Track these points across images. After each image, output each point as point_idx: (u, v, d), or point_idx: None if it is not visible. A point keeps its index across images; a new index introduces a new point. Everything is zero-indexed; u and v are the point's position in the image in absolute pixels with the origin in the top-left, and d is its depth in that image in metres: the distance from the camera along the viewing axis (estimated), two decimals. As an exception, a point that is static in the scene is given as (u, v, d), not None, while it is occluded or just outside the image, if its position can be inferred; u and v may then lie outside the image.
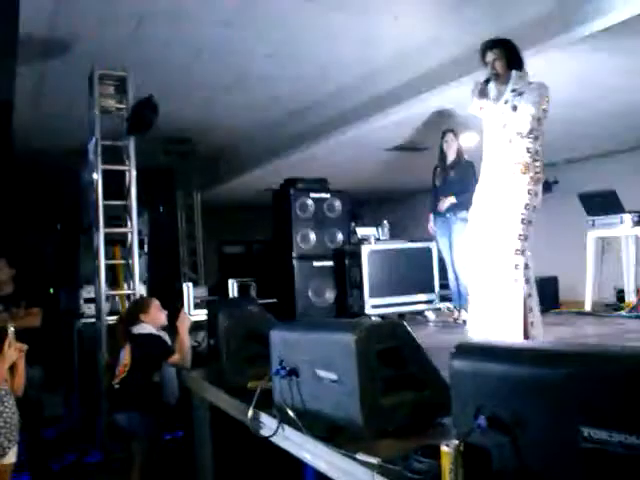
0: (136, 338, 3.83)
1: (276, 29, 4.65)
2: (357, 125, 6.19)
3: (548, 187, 9.30)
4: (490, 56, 3.40)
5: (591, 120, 6.48)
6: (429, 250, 5.76)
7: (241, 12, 4.35)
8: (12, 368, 3.06)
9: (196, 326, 4.87)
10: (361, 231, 6.18)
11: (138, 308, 4.05)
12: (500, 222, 3.29)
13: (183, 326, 3.86)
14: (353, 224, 6.40)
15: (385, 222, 6.19)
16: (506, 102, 3.32)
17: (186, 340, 3.83)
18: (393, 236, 6.24)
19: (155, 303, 4.05)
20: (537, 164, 3.31)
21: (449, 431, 1.79)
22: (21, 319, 4.26)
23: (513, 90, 3.36)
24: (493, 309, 3.31)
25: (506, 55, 3.39)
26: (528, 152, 3.30)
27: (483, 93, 3.40)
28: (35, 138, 7.11)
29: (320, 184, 6.56)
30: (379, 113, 5.76)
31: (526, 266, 3.27)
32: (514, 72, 3.38)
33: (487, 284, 3.35)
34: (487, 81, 3.41)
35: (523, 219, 3.27)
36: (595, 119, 6.43)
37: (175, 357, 3.78)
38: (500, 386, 1.51)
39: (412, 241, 5.92)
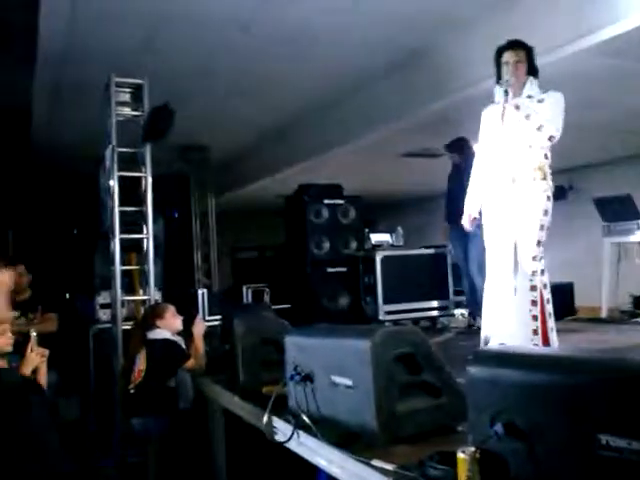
0: (152, 343, 3.86)
1: (292, 35, 4.69)
2: (372, 131, 6.21)
3: (563, 193, 9.26)
4: (512, 57, 3.30)
5: (606, 125, 6.44)
6: (443, 256, 5.74)
7: (257, 18, 4.40)
8: (34, 372, 3.10)
9: (210, 332, 4.90)
10: (375, 237, 6.18)
11: (154, 313, 4.08)
12: (519, 229, 3.26)
13: (198, 331, 3.89)
14: (367, 230, 6.40)
15: (399, 228, 6.18)
16: (517, 108, 3.22)
17: (201, 345, 3.85)
18: (407, 242, 6.23)
19: (171, 309, 4.08)
20: (550, 170, 3.33)
21: (465, 438, 1.78)
22: (37, 324, 4.30)
23: (529, 97, 3.30)
24: (511, 316, 3.27)
25: (528, 59, 3.33)
26: (546, 158, 3.31)
27: (518, 89, 3.29)
28: (52, 145, 7.21)
29: (334, 190, 6.57)
30: (393, 119, 5.77)
31: (542, 272, 3.27)
32: (531, 78, 3.33)
33: (504, 290, 3.31)
34: (506, 90, 3.28)
35: (542, 225, 3.27)
36: (610, 124, 6.39)
37: (190, 362, 3.81)
38: (517, 393, 1.51)
39: (426, 247, 5.90)
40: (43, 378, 3.17)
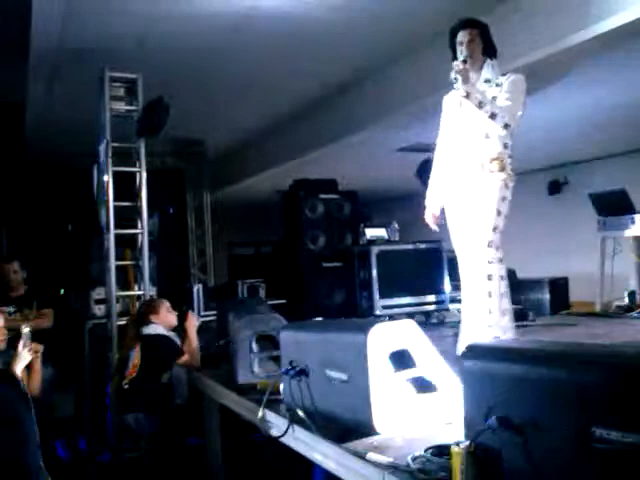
0: (146, 339, 3.86)
1: (283, 31, 4.67)
2: (366, 126, 6.20)
3: (557, 188, 9.29)
4: (465, 36, 3.09)
5: (605, 121, 6.45)
6: (439, 251, 5.74)
7: (251, 16, 4.38)
8: (28, 368, 3.10)
9: (205, 327, 4.90)
10: (370, 232, 6.17)
11: (149, 309, 4.07)
12: (474, 216, 3.08)
13: (191, 327, 3.88)
14: (362, 225, 6.40)
15: (394, 223, 6.18)
16: (467, 95, 2.99)
17: (194, 341, 3.85)
18: (402, 237, 6.23)
19: (165, 304, 4.08)
20: (510, 160, 3.11)
21: (460, 431, 1.78)
22: (33, 320, 4.29)
23: (487, 80, 3.10)
24: (469, 309, 3.14)
25: (483, 38, 3.11)
26: (505, 147, 3.09)
27: (468, 76, 2.97)
28: (47, 140, 7.17)
29: (329, 185, 6.56)
30: (388, 114, 5.76)
31: (500, 261, 3.06)
32: (488, 60, 3.12)
33: (465, 283, 3.20)
34: (465, 60, 3.03)
35: (499, 211, 3.05)
36: (609, 120, 6.40)
37: (184, 358, 3.80)
38: (512, 386, 1.51)
39: (421, 242, 5.90)
40: (37, 374, 3.17)
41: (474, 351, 1.68)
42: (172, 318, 4.04)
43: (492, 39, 3.17)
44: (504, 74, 3.11)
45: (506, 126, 3.00)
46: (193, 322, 3.92)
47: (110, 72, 4.83)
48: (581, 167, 8.66)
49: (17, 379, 2.83)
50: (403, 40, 4.91)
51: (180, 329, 4.04)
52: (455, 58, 3.13)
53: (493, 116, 2.98)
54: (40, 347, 3.15)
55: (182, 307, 4.25)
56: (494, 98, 3.03)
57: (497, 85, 3.07)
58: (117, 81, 4.94)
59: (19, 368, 2.96)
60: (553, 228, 8.76)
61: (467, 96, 2.97)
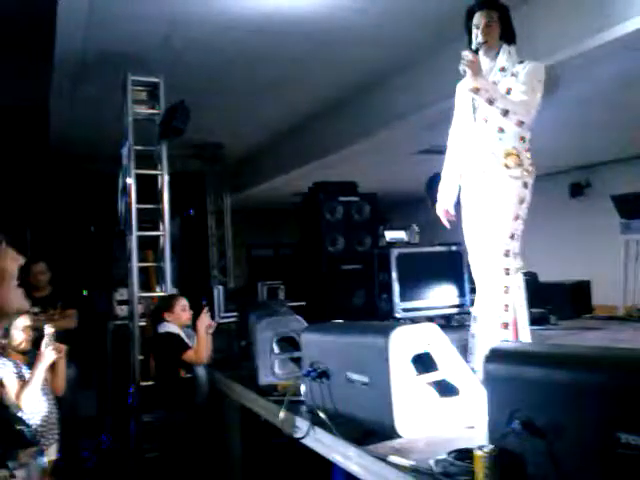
0: (156, 338, 3.92)
1: (303, 34, 4.69)
2: (386, 128, 6.19)
3: (579, 190, 9.18)
4: (482, 18, 2.83)
5: (628, 121, 6.36)
6: (459, 253, 5.71)
7: (272, 20, 4.41)
8: (53, 368, 3.15)
9: (226, 328, 4.93)
10: (389, 234, 6.16)
11: (163, 307, 4.09)
12: (490, 221, 2.87)
13: (202, 325, 3.87)
14: (382, 227, 6.39)
15: (414, 225, 6.16)
16: (477, 91, 2.77)
17: (202, 338, 3.83)
18: (422, 239, 6.20)
19: (180, 302, 4.08)
20: (529, 154, 2.88)
21: (482, 435, 1.78)
22: (57, 320, 4.36)
23: (503, 69, 2.86)
24: (484, 320, 2.95)
25: (502, 21, 2.85)
26: (522, 141, 2.86)
27: (478, 69, 2.73)
28: (70, 142, 7.27)
29: (349, 188, 6.56)
30: (408, 116, 5.75)
31: (517, 271, 2.88)
32: (505, 46, 2.87)
33: (480, 293, 3.02)
34: (477, 50, 2.83)
35: (517, 215, 2.84)
36: (633, 120, 6.31)
37: (189, 353, 3.77)
38: (535, 390, 1.51)
39: (441, 244, 5.88)
40: (61, 373, 3.22)
41: (497, 355, 1.68)
42: (185, 316, 4.04)
43: (512, 23, 2.91)
44: (522, 61, 2.86)
45: (520, 123, 2.78)
46: (204, 320, 3.91)
47: (132, 76, 4.90)
48: (604, 169, 8.55)
49: None
50: (424, 41, 4.90)
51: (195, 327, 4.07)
52: (470, 42, 2.92)
53: (505, 113, 2.75)
54: (64, 347, 3.20)
55: (201, 302, 4.26)
56: (509, 90, 2.80)
57: (513, 75, 2.83)
58: (139, 85, 5.00)
59: (42, 367, 3.01)
60: (575, 231, 8.66)
61: (476, 91, 2.75)
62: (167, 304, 4.09)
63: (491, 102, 2.75)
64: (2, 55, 5.53)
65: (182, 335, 3.96)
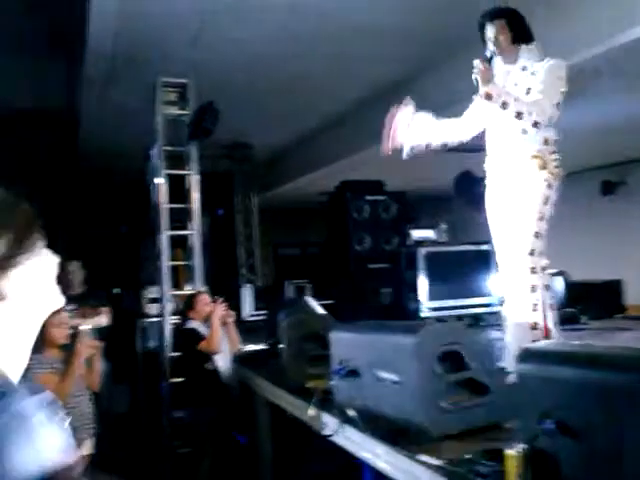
0: (177, 334, 4.12)
1: (331, 33, 4.70)
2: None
3: (611, 188, 9.01)
4: (491, 30, 2.89)
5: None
6: (488, 252, 5.66)
7: (299, 19, 4.43)
8: (88, 364, 3.23)
9: (255, 326, 4.98)
10: (417, 233, 6.14)
11: (185, 306, 4.32)
12: (515, 220, 2.85)
13: (214, 316, 4.06)
14: (409, 226, 6.38)
15: (442, 224, 6.13)
16: (516, 84, 2.80)
17: (216, 328, 4.02)
18: (450, 238, 6.17)
19: (201, 298, 4.26)
20: (555, 156, 2.85)
21: (512, 436, 1.77)
22: (91, 318, 4.45)
23: (524, 68, 2.88)
24: (514, 320, 2.90)
25: (510, 27, 2.89)
26: (546, 143, 2.82)
27: (488, 77, 2.76)
28: (101, 144, 7.39)
29: (376, 186, 6.56)
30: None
31: (544, 270, 2.83)
32: (523, 46, 2.89)
33: (506, 292, 2.98)
34: (490, 58, 2.84)
35: (541, 216, 2.80)
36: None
37: (203, 343, 3.98)
38: (569, 391, 1.50)
39: (470, 243, 5.83)
40: (96, 369, 3.30)
41: (530, 355, 1.67)
42: (207, 310, 4.19)
43: (523, 23, 2.93)
44: (542, 59, 2.85)
45: (535, 124, 2.73)
46: (216, 311, 4.09)
47: (162, 77, 4.97)
48: (638, 167, 8.38)
49: None
50: (453, 37, 4.87)
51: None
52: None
53: (519, 115, 2.72)
54: (99, 344, 3.28)
55: (214, 298, 4.41)
56: (528, 90, 2.79)
57: (532, 74, 2.83)
58: (169, 86, 5.08)
59: (78, 363, 3.09)
60: (606, 230, 8.51)
61: (488, 97, 2.74)
62: (189, 303, 4.28)
63: (505, 106, 2.75)
64: (33, 59, 5.66)
65: (202, 329, 4.07)
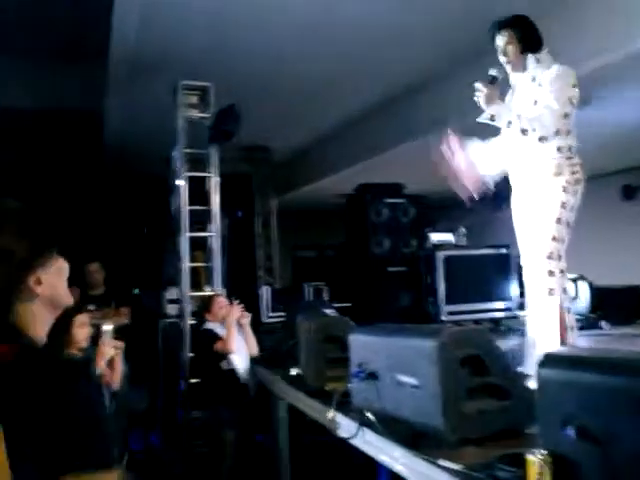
0: (194, 335, 4.21)
1: (355, 35, 4.71)
2: (434, 129, 6.15)
3: (631, 193, 8.88)
4: (500, 41, 2.91)
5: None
6: (507, 256, 5.64)
7: (319, 23, 4.45)
8: (110, 363, 3.28)
9: (273, 328, 5.01)
10: (436, 236, 6.13)
11: (203, 308, 4.41)
12: (534, 225, 2.88)
13: (229, 317, 4.12)
14: (428, 229, 6.36)
15: (461, 227, 6.11)
16: (492, 119, 2.84)
17: (231, 330, 4.07)
18: (470, 242, 6.14)
19: (217, 301, 4.34)
20: (573, 161, 2.85)
21: (534, 441, 1.77)
22: (111, 318, 4.51)
23: (533, 79, 2.89)
24: (534, 323, 2.94)
25: (518, 37, 2.88)
26: (559, 151, 2.83)
27: (491, 98, 2.81)
28: (124, 145, 7.49)
29: (395, 189, 6.57)
30: (457, 118, 5.70)
31: (562, 273, 2.83)
32: (530, 56, 2.89)
33: (530, 296, 3.01)
34: (493, 79, 2.86)
35: (560, 219, 2.81)
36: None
37: (219, 344, 4.04)
38: (591, 396, 1.49)
39: (489, 247, 5.81)
40: (118, 369, 3.34)
41: (551, 360, 1.66)
42: (222, 312, 4.25)
43: (533, 32, 2.92)
44: (548, 67, 2.85)
45: (541, 139, 2.77)
46: (232, 312, 4.14)
47: (183, 80, 5.02)
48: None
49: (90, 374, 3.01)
50: (472, 42, 4.86)
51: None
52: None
53: (524, 132, 2.78)
54: (121, 344, 3.33)
55: (230, 299, 4.47)
56: (536, 102, 2.82)
57: (540, 85, 2.84)
58: (190, 89, 5.13)
59: (101, 363, 3.13)
60: (627, 235, 8.40)
61: (492, 119, 2.82)
62: (205, 305, 4.37)
63: (509, 125, 2.80)
64: (59, 60, 5.76)
65: (219, 330, 4.12)
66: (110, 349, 3.18)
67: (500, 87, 2.92)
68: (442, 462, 1.91)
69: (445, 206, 11.35)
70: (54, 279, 1.24)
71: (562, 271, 2.83)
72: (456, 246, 5.93)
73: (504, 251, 5.66)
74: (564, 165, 2.83)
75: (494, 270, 5.64)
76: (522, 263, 3.09)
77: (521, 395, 2.16)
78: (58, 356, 1.28)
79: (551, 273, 2.80)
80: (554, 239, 2.81)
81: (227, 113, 4.69)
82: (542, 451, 1.57)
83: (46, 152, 7.41)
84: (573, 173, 2.83)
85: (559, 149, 2.83)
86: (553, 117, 2.75)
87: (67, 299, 1.28)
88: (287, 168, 9.36)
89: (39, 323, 1.20)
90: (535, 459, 1.56)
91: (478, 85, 2.82)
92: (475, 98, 2.83)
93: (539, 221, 2.86)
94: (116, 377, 3.35)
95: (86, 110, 6.68)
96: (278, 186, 9.23)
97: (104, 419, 1.31)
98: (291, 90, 5.96)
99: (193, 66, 5.05)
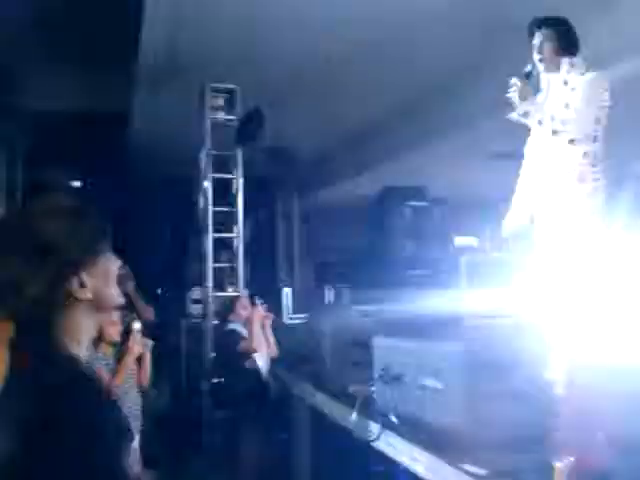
0: (218, 336, 4.24)
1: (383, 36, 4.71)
2: (458, 133, 6.12)
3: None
4: (538, 38, 2.88)
5: None
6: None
7: (348, 20, 4.45)
8: (139, 361, 3.34)
9: (294, 330, 5.02)
10: (460, 240, 6.10)
11: (226, 310, 4.45)
12: (558, 234, 2.82)
13: (252, 319, 4.15)
14: (452, 233, 6.35)
15: (487, 231, 6.07)
16: (526, 115, 2.84)
17: (254, 331, 4.09)
18: (494, 246, 6.09)
19: (239, 301, 4.36)
20: (596, 169, 2.81)
21: (560, 447, 1.75)
22: (139, 317, 4.56)
23: (565, 82, 2.84)
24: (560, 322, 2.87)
25: (557, 37, 2.86)
26: (585, 157, 2.79)
27: (525, 94, 2.80)
28: (149, 147, 7.57)
29: (418, 192, 6.56)
30: (485, 119, 5.66)
31: None
32: (565, 59, 2.86)
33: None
34: (528, 75, 2.86)
35: (583, 224, 2.79)
36: None
37: (242, 344, 4.07)
38: (617, 403, 1.48)
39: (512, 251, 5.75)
40: (147, 366, 3.40)
41: (577, 366, 1.65)
42: (245, 314, 4.30)
43: (571, 34, 2.91)
44: (583, 73, 2.83)
45: (571, 141, 2.75)
46: (255, 313, 4.18)
47: (210, 83, 5.07)
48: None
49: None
50: (502, 44, 4.82)
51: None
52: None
53: (555, 133, 2.76)
54: (149, 341, 3.38)
55: (252, 300, 4.50)
56: (567, 105, 2.78)
57: (573, 89, 2.81)
58: (217, 91, 5.18)
59: (130, 360, 3.19)
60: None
61: (525, 115, 2.81)
62: (229, 306, 4.42)
63: (540, 123, 2.80)
64: (87, 62, 5.86)
65: (242, 330, 4.17)
66: (139, 347, 3.23)
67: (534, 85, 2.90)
68: (467, 467, 1.90)
69: (469, 209, 11.29)
70: (100, 281, 1.18)
71: None
72: (479, 250, 5.90)
73: (529, 256, 5.58)
74: (587, 172, 2.81)
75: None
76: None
77: (546, 400, 2.15)
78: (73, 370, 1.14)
79: None
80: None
81: (252, 115, 4.73)
82: (569, 457, 1.56)
83: (75, 151, 7.50)
84: (595, 180, 2.81)
85: (585, 154, 2.80)
86: (584, 121, 2.74)
87: (115, 300, 1.19)
88: (310, 170, 9.38)
89: (84, 332, 1.16)
90: (562, 466, 1.55)
91: (514, 80, 2.80)
92: (509, 94, 2.82)
93: (562, 228, 2.82)
94: (145, 374, 3.40)
95: (112, 112, 6.77)
96: (301, 187, 9.25)
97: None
98: (316, 92, 5.97)
99: (220, 68, 5.08)
